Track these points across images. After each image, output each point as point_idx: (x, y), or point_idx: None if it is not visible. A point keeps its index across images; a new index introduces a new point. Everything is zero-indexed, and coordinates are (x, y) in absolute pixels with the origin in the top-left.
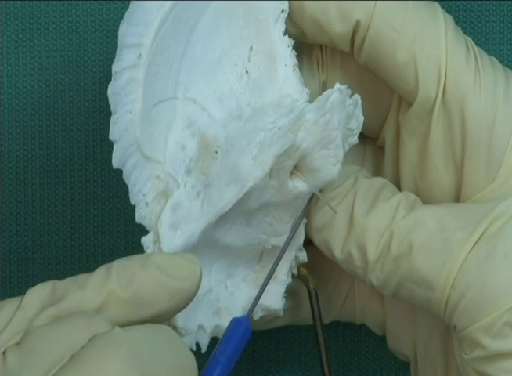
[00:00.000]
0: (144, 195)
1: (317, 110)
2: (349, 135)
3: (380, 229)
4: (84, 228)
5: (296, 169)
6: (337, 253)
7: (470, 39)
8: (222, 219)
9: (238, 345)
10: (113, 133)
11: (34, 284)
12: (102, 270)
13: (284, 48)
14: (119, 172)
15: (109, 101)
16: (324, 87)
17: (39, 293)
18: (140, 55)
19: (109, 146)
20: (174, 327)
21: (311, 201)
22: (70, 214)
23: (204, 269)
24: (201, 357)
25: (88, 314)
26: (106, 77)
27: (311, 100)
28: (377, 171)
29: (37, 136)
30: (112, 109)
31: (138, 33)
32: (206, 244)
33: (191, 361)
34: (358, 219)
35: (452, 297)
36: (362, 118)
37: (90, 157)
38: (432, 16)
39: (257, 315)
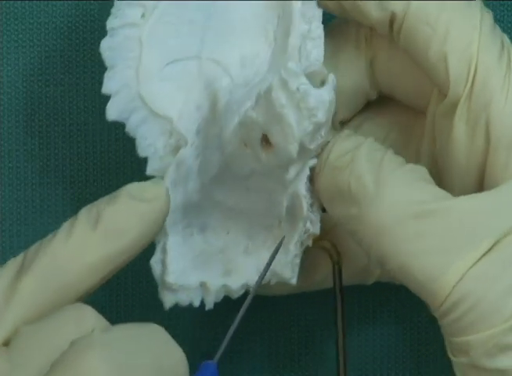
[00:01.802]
0: (156, 149)
1: (268, 85)
2: (310, 115)
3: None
4: None
5: (266, 142)
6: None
7: (507, 39)
8: (219, 182)
9: None
10: (110, 87)
11: None
12: (68, 221)
13: (299, 19)
14: (119, 172)
15: (104, 56)
16: (372, 64)
17: (12, 265)
18: (143, 14)
19: (109, 146)
20: (164, 282)
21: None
22: (70, 214)
23: (220, 230)
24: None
25: (77, 306)
26: None
27: (353, 77)
28: (403, 150)
29: (37, 136)
30: (107, 63)
31: None
32: (213, 206)
33: (180, 359)
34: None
35: (446, 304)
36: (324, 98)
37: (90, 157)
38: (468, 12)
39: (272, 281)
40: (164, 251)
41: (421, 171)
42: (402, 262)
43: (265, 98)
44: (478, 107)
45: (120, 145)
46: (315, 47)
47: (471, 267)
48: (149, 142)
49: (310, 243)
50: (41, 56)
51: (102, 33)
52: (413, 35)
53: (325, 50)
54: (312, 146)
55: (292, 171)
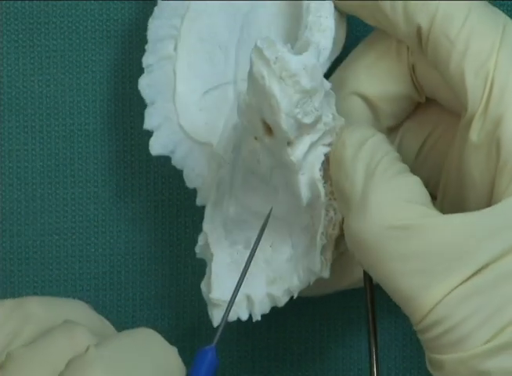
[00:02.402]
0: (204, 178)
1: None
2: (294, 82)
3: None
4: (85, 228)
5: (267, 128)
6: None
7: None
8: (249, 190)
9: None
10: (151, 123)
11: (34, 284)
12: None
13: (305, 12)
14: (119, 172)
15: (143, 93)
16: (414, 70)
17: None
18: (175, 46)
19: (110, 146)
20: (210, 300)
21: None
22: (70, 214)
23: (265, 242)
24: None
25: (68, 325)
26: (106, 77)
27: (396, 84)
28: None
29: (38, 136)
30: (147, 100)
31: (172, 25)
32: (252, 217)
33: (175, 360)
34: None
35: (423, 323)
36: (306, 63)
37: (90, 157)
38: (491, 26)
39: (311, 280)
40: (210, 270)
41: (414, 186)
42: (383, 277)
43: (250, 76)
44: (492, 124)
45: (121, 145)
46: (324, 38)
47: (452, 291)
48: (197, 173)
49: (336, 232)
50: (41, 55)
51: (102, 33)
52: (437, 50)
53: (365, 59)
54: (307, 121)
55: (297, 151)
